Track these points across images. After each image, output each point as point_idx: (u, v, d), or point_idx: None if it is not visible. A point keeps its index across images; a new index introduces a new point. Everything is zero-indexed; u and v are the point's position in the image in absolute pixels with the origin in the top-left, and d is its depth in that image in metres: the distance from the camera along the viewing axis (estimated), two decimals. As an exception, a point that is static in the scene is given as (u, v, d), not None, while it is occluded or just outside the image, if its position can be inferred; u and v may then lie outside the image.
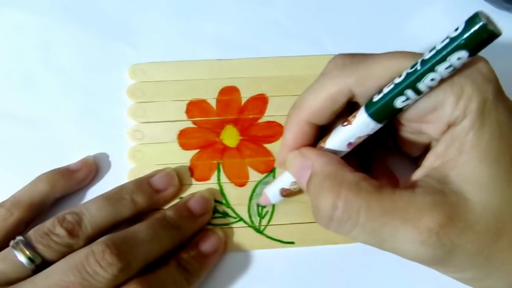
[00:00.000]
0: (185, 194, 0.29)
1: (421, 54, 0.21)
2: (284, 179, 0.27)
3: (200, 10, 0.34)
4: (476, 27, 0.18)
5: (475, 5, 0.34)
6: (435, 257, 0.20)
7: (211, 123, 0.31)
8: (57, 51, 0.32)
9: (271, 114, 0.31)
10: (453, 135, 0.21)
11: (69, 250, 0.25)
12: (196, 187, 0.29)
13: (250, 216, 0.29)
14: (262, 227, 0.29)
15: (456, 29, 0.19)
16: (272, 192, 0.28)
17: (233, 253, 0.28)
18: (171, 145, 0.30)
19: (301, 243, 0.29)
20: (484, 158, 0.20)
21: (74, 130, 0.31)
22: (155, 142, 0.30)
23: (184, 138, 0.30)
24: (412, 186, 0.21)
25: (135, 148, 0.30)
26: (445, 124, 0.21)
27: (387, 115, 0.22)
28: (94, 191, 0.29)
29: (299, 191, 0.27)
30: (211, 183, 0.30)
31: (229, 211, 0.29)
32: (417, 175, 0.22)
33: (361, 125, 0.22)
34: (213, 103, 0.31)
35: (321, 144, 0.24)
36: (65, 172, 0.28)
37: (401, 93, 0.20)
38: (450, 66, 0.19)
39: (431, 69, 0.19)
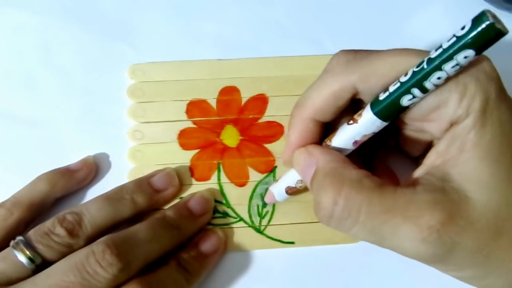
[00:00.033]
0: (185, 194, 0.29)
1: (424, 51, 0.21)
2: (290, 177, 0.27)
3: (200, 10, 0.34)
4: (484, 25, 0.18)
5: (475, 5, 0.33)
6: (435, 255, 0.20)
7: (211, 123, 0.31)
8: (57, 51, 0.32)
9: (271, 114, 0.31)
10: (455, 134, 0.21)
11: (69, 250, 0.25)
12: (196, 187, 0.29)
13: (250, 216, 0.29)
14: (262, 227, 0.29)
15: (463, 28, 0.18)
16: (278, 190, 0.28)
17: (233, 253, 0.28)
18: (171, 145, 0.30)
19: (301, 243, 0.29)
20: (485, 157, 0.20)
21: (74, 130, 0.31)
22: (155, 142, 0.30)
23: (184, 138, 0.30)
24: (413, 184, 0.21)
25: (135, 148, 0.30)
26: (448, 122, 0.21)
27: (393, 113, 0.22)
28: (94, 191, 0.29)
29: (305, 189, 0.27)
30: (211, 183, 0.30)
31: (229, 211, 0.29)
32: (418, 173, 0.22)
33: (367, 123, 0.22)
34: (213, 103, 0.31)
35: (327, 142, 0.24)
36: (65, 172, 0.28)
37: (407, 91, 0.20)
38: (457, 64, 0.19)
39: (438, 67, 0.19)
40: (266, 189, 0.29)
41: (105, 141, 0.30)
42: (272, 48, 0.33)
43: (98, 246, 0.24)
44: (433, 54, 0.19)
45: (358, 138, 0.23)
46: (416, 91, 0.20)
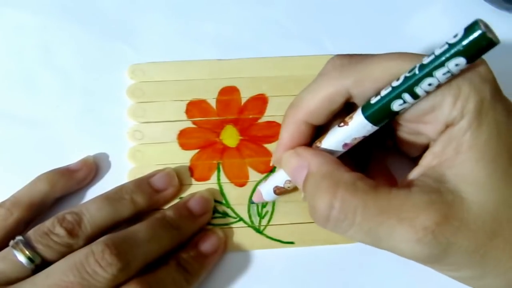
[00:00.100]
0: (185, 194, 0.29)
1: (419, 56, 0.21)
2: (278, 178, 0.27)
3: (200, 10, 0.34)
4: (475, 34, 0.18)
5: (475, 5, 0.33)
6: (431, 255, 0.20)
7: (211, 123, 0.31)
8: (57, 51, 0.32)
9: (271, 114, 0.31)
10: (451, 135, 0.21)
11: (69, 250, 0.25)
12: (196, 187, 0.29)
13: (250, 216, 0.29)
14: (262, 227, 0.29)
15: (455, 36, 0.19)
16: (266, 190, 0.28)
17: (233, 253, 0.28)
18: (171, 145, 0.30)
19: (301, 243, 0.29)
20: (482, 158, 0.20)
21: (74, 130, 0.31)
22: (155, 142, 0.30)
23: (184, 138, 0.30)
24: (408, 185, 0.21)
25: (135, 148, 0.30)
26: (443, 124, 0.21)
27: (384, 117, 0.22)
28: (94, 191, 0.29)
29: (293, 190, 0.27)
30: (211, 183, 0.30)
31: (229, 211, 0.29)
32: (414, 174, 0.22)
33: (357, 126, 0.22)
34: (213, 103, 0.31)
35: (317, 144, 0.24)
36: (65, 172, 0.28)
37: (398, 96, 0.21)
38: (448, 72, 0.19)
39: (429, 74, 0.19)
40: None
41: (105, 141, 0.30)
42: (272, 48, 0.33)
43: (97, 246, 0.24)
44: (425, 60, 0.20)
45: (348, 141, 0.23)
46: (407, 96, 0.20)
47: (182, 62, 0.32)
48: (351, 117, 0.23)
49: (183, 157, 0.30)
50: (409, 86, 0.20)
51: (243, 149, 0.30)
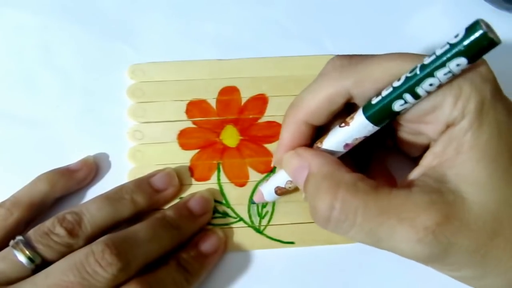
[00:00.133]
0: (185, 194, 0.29)
1: (419, 56, 0.21)
2: (279, 178, 0.27)
3: (200, 10, 0.34)
4: (477, 34, 0.18)
5: (475, 5, 0.33)
6: (431, 255, 0.20)
7: (211, 123, 0.31)
8: (57, 51, 0.32)
9: (271, 114, 0.31)
10: (452, 135, 0.21)
11: (69, 250, 0.25)
12: (196, 187, 0.29)
13: (250, 216, 0.29)
14: (262, 227, 0.29)
15: (456, 36, 0.19)
16: (267, 190, 0.28)
17: (233, 253, 0.28)
18: (171, 145, 0.30)
19: (301, 243, 0.29)
20: (483, 158, 0.20)
21: (74, 130, 0.31)
22: (155, 142, 0.30)
23: (184, 138, 0.30)
24: (409, 185, 0.21)
25: (135, 148, 0.30)
26: (444, 124, 0.21)
27: (385, 118, 0.22)
28: (94, 191, 0.29)
29: (294, 190, 0.27)
30: (211, 183, 0.30)
31: (229, 211, 0.29)
32: (414, 174, 0.22)
33: (358, 127, 0.22)
34: (213, 103, 0.31)
35: (318, 145, 0.24)
36: (65, 172, 0.28)
37: (399, 96, 0.21)
38: (449, 72, 0.19)
39: (430, 74, 0.19)
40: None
41: (105, 141, 0.30)
42: (272, 48, 0.33)
43: (97, 246, 0.24)
44: (426, 61, 0.20)
45: (349, 142, 0.23)
46: (408, 96, 0.20)
47: (182, 62, 0.32)
48: (352, 118, 0.23)
49: (183, 157, 0.30)
50: (410, 87, 0.20)
51: (243, 149, 0.30)
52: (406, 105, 0.21)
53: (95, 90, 0.32)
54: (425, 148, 0.25)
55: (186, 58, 0.32)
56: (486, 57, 0.21)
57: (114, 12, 0.34)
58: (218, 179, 0.30)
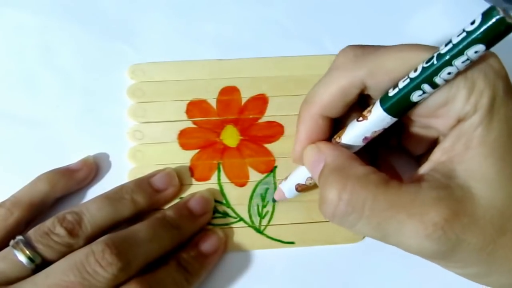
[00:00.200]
0: (185, 194, 0.29)
1: (431, 47, 0.21)
2: (300, 174, 0.27)
3: (200, 10, 0.34)
4: (494, 19, 0.18)
5: (475, 5, 0.34)
6: (439, 252, 0.20)
7: (211, 123, 0.31)
8: (57, 51, 0.32)
9: (271, 114, 0.31)
10: (462, 130, 0.21)
11: (69, 249, 0.25)
12: (196, 187, 0.29)
13: (250, 216, 0.29)
14: (262, 227, 0.29)
15: (473, 22, 0.18)
16: (287, 188, 0.28)
17: (233, 253, 0.28)
18: (171, 145, 0.30)
19: (301, 243, 0.29)
20: (491, 154, 0.20)
21: (74, 130, 0.31)
22: (155, 142, 0.30)
23: (184, 138, 0.30)
24: (418, 180, 0.21)
25: (135, 148, 0.30)
26: (455, 119, 0.21)
27: (403, 109, 0.22)
28: (94, 191, 0.29)
29: (314, 186, 0.27)
30: (211, 183, 0.30)
31: (229, 211, 0.29)
32: (424, 169, 0.22)
33: (377, 119, 0.22)
34: (213, 103, 0.31)
35: (336, 139, 0.24)
36: (65, 172, 0.28)
37: (417, 87, 0.20)
38: (467, 59, 0.19)
39: (449, 63, 0.19)
40: (266, 189, 0.29)
41: (105, 141, 0.30)
42: (272, 48, 0.33)
43: (98, 245, 0.24)
44: (443, 50, 0.19)
45: (368, 135, 0.23)
46: (426, 86, 0.20)
47: (183, 62, 0.32)
48: (369, 111, 0.23)
49: (183, 157, 0.30)
50: (428, 76, 0.20)
51: (244, 149, 0.30)
52: (424, 95, 0.21)
53: (95, 90, 0.32)
54: (431, 144, 0.25)
55: (186, 58, 0.32)
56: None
57: (114, 12, 0.34)
58: (218, 179, 0.30)
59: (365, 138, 0.23)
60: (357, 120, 0.23)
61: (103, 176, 0.30)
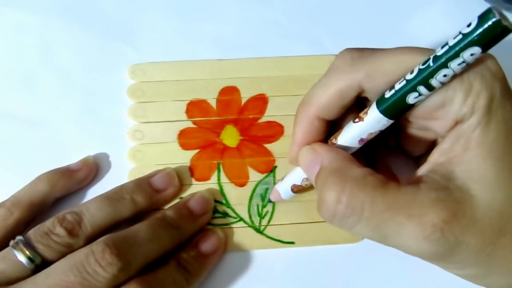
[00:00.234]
0: (185, 194, 0.29)
1: (429, 49, 0.21)
2: (296, 175, 0.27)
3: (200, 10, 0.34)
4: (490, 22, 0.18)
5: (475, 5, 0.33)
6: (438, 253, 0.20)
7: (211, 123, 0.31)
8: (57, 51, 0.32)
9: (271, 114, 0.31)
10: (460, 132, 0.21)
11: (69, 249, 0.25)
12: (196, 187, 0.29)
13: (250, 216, 0.29)
14: (262, 227, 0.29)
15: (469, 25, 0.18)
16: (283, 189, 0.28)
17: (233, 253, 0.28)
18: (171, 145, 0.30)
19: (301, 243, 0.29)
20: (490, 155, 0.20)
21: (74, 130, 0.31)
22: (155, 142, 0.30)
23: (184, 138, 0.30)
24: (417, 182, 0.21)
25: (135, 148, 0.30)
26: (453, 120, 0.21)
27: (399, 111, 0.22)
28: (94, 191, 0.29)
29: (310, 187, 0.27)
30: (211, 183, 0.30)
31: (229, 211, 0.29)
32: (422, 170, 0.22)
33: (373, 121, 0.22)
34: (213, 103, 0.31)
35: (333, 140, 0.24)
36: (65, 172, 0.28)
37: (413, 89, 0.20)
38: (463, 62, 0.19)
39: (444, 65, 0.19)
40: (266, 189, 0.29)
41: (105, 141, 0.30)
42: (272, 48, 0.33)
43: (97, 245, 0.24)
44: (439, 52, 0.19)
45: (364, 136, 0.23)
46: (422, 88, 0.20)
47: (183, 62, 0.32)
48: (365, 112, 0.23)
49: (183, 157, 0.30)
50: (424, 78, 0.20)
51: (243, 149, 0.30)
52: (420, 98, 0.21)
53: (95, 90, 0.32)
54: (430, 146, 0.25)
55: (186, 58, 0.32)
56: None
57: (114, 12, 0.34)
58: (218, 179, 0.30)
59: (361, 139, 0.23)
60: (353, 122, 0.23)
61: (103, 176, 0.30)
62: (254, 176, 0.30)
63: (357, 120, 0.23)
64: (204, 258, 0.27)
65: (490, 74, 0.20)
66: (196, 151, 0.30)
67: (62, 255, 0.24)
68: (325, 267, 0.28)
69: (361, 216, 0.21)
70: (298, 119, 0.25)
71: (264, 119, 0.31)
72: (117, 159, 0.30)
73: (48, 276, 0.23)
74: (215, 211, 0.29)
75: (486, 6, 0.18)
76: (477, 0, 0.34)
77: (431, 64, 0.20)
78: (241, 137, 0.31)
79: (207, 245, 0.27)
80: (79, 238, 0.25)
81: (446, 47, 0.19)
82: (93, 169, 0.29)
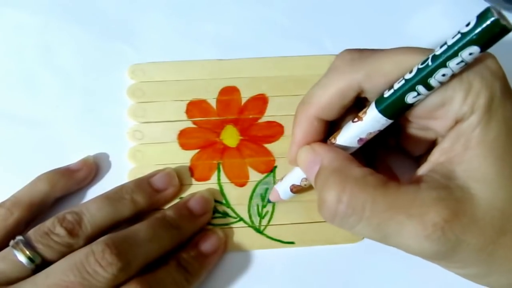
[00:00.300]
0: (185, 194, 0.29)
1: (429, 50, 0.21)
2: (295, 176, 0.27)
3: (200, 10, 0.34)
4: (488, 22, 0.18)
5: (475, 5, 0.33)
6: (439, 252, 0.20)
7: (211, 123, 0.31)
8: (57, 51, 0.32)
9: (271, 114, 0.31)
10: (460, 131, 0.21)
11: (69, 249, 0.25)
12: (196, 187, 0.29)
13: (250, 216, 0.29)
14: (262, 227, 0.29)
15: (468, 24, 0.18)
16: (282, 189, 0.28)
17: (233, 253, 0.28)
18: (171, 145, 0.30)
19: (301, 243, 0.29)
20: (490, 155, 0.20)
21: (74, 130, 0.31)
22: (155, 142, 0.30)
23: (184, 138, 0.30)
24: (417, 181, 0.21)
25: (135, 148, 0.30)
26: (453, 120, 0.21)
27: (398, 111, 0.22)
28: (94, 191, 0.29)
29: (310, 188, 0.27)
30: (211, 183, 0.30)
31: (229, 211, 0.29)
32: (422, 170, 0.22)
33: (371, 121, 0.22)
34: (213, 103, 0.31)
35: (332, 140, 0.24)
36: (65, 172, 0.28)
37: (412, 89, 0.20)
38: (461, 61, 0.19)
39: (443, 64, 0.19)
40: (266, 189, 0.29)
41: (105, 141, 0.30)
42: (272, 48, 0.33)
43: (97, 245, 0.24)
44: (438, 51, 0.19)
45: (363, 136, 0.23)
46: (421, 88, 0.20)
47: (182, 62, 0.32)
48: (364, 112, 0.23)
49: (183, 157, 0.30)
50: (422, 78, 0.20)
51: (243, 149, 0.30)
52: (419, 97, 0.21)
53: (95, 90, 0.32)
54: (430, 145, 0.25)
55: (186, 58, 0.32)
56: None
57: (114, 12, 0.34)
58: (218, 179, 0.30)
59: (360, 139, 0.23)
60: (352, 121, 0.23)
61: (103, 176, 0.30)
62: (254, 176, 0.30)
63: (356, 120, 0.23)
64: (204, 258, 0.27)
65: (490, 74, 0.20)
66: (196, 151, 0.30)
67: (62, 255, 0.24)
68: (325, 267, 0.28)
69: (362, 215, 0.21)
70: (297, 119, 0.25)
71: (264, 119, 0.31)
72: (117, 159, 0.30)
73: (48, 276, 0.23)
74: (215, 211, 0.29)
75: (485, 6, 0.18)
76: (477, 0, 0.34)
77: (430, 63, 0.20)
78: (241, 137, 0.31)
79: (207, 245, 0.27)
80: (79, 238, 0.25)
81: (445, 47, 0.19)
82: (93, 169, 0.29)
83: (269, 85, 0.32)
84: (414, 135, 0.25)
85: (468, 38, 0.18)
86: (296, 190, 0.27)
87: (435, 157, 0.22)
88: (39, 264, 0.24)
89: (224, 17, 0.34)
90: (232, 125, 0.31)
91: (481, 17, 0.18)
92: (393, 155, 0.29)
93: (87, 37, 0.33)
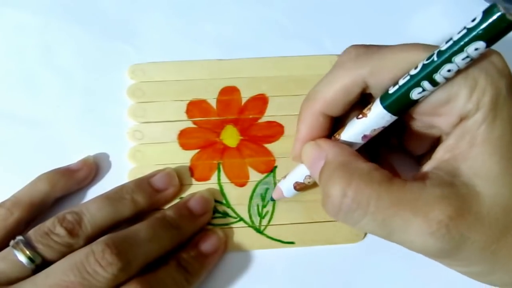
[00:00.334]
0: (185, 194, 0.29)
1: (434, 46, 0.21)
2: (298, 173, 0.27)
3: (200, 10, 0.34)
4: (494, 17, 0.18)
5: (475, 5, 0.34)
6: (443, 250, 0.20)
7: (211, 123, 0.31)
8: (57, 51, 0.32)
9: (271, 114, 0.31)
10: (465, 128, 0.21)
11: (69, 249, 0.25)
12: (196, 187, 0.29)
13: (250, 216, 0.29)
14: (262, 227, 0.29)
15: (474, 20, 0.18)
16: (286, 186, 0.28)
17: (233, 253, 0.28)
18: (171, 145, 0.30)
19: (301, 243, 0.29)
20: (495, 152, 0.20)
21: (74, 130, 0.31)
22: (155, 142, 0.30)
23: (184, 138, 0.30)
24: (422, 178, 0.21)
25: (135, 148, 0.30)
26: (458, 117, 0.21)
27: (403, 107, 0.22)
28: (94, 191, 0.29)
29: (313, 185, 0.27)
30: (211, 183, 0.30)
31: (229, 211, 0.29)
32: (427, 167, 0.22)
33: (376, 117, 0.22)
34: (213, 103, 0.31)
35: (336, 137, 0.24)
36: (66, 172, 0.28)
37: (417, 84, 0.20)
38: (467, 56, 0.19)
39: (448, 60, 0.19)
40: (266, 189, 0.29)
41: (105, 141, 0.30)
42: (272, 48, 0.33)
43: (98, 245, 0.24)
44: (443, 47, 0.19)
45: (367, 133, 0.23)
46: (426, 84, 0.20)
47: (183, 62, 0.32)
48: (369, 108, 0.23)
49: (183, 157, 0.30)
50: (428, 74, 0.20)
51: (243, 149, 0.30)
52: (424, 93, 0.21)
53: (96, 90, 0.32)
54: (433, 144, 0.25)
55: (186, 58, 0.32)
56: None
57: (114, 12, 0.34)
58: (218, 179, 0.30)
59: (364, 136, 0.23)
60: (357, 118, 0.23)
61: (103, 176, 0.30)
62: (254, 176, 0.30)
63: (360, 116, 0.23)
64: (204, 258, 0.27)
65: (496, 71, 0.20)
66: (196, 151, 0.30)
67: (62, 255, 0.24)
68: (325, 267, 0.28)
69: (367, 210, 0.21)
70: (302, 115, 0.25)
71: (264, 119, 0.31)
72: (117, 159, 0.30)
73: (48, 276, 0.23)
74: (215, 211, 0.29)
75: (486, 6, 0.18)
76: (477, 0, 0.34)
77: (435, 59, 0.20)
78: (241, 137, 0.31)
79: (207, 245, 0.27)
80: (79, 238, 0.25)
81: (451, 42, 0.19)
82: (93, 169, 0.29)
83: (269, 85, 0.32)
84: (418, 133, 0.25)
85: (474, 33, 0.18)
86: (300, 187, 0.27)
87: (440, 154, 0.22)
88: (39, 264, 0.24)
89: (224, 17, 0.34)
90: (232, 125, 0.31)
91: (487, 12, 0.18)
92: (395, 155, 0.29)
93: (88, 37, 0.33)
